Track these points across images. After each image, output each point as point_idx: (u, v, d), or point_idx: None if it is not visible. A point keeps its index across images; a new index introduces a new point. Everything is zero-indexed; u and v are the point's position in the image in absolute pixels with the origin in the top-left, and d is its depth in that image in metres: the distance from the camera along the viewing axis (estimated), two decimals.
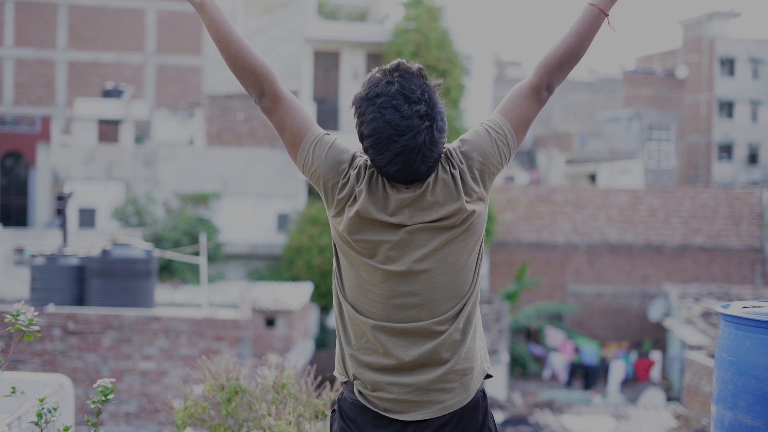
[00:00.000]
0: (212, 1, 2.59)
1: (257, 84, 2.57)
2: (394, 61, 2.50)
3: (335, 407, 2.65)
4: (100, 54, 37.85)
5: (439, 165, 2.52)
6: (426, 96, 2.45)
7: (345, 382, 2.62)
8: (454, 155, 2.55)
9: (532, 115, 2.63)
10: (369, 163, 2.54)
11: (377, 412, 2.55)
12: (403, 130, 2.40)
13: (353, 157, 2.57)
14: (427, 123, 2.42)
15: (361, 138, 2.49)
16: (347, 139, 2.67)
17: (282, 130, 2.59)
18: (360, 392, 2.56)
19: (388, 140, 2.41)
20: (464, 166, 2.53)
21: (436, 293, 2.52)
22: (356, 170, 2.53)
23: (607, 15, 2.59)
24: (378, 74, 2.49)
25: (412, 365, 2.52)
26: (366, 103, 2.46)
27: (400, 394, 2.52)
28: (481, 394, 2.62)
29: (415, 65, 2.49)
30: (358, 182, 2.52)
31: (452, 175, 2.51)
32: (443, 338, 2.52)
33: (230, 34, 2.56)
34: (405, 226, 2.50)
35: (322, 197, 2.59)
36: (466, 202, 2.50)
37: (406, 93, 2.43)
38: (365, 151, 2.50)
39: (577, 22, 2.62)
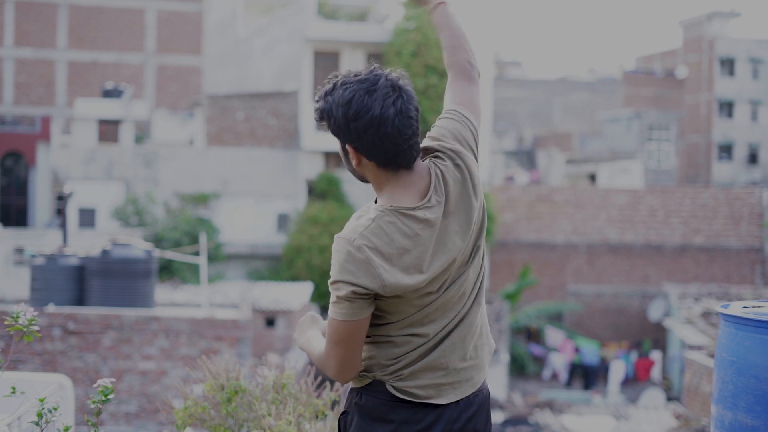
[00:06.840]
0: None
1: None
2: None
3: (350, 417, 2.56)
4: (100, 54, 37.86)
5: (447, 163, 2.52)
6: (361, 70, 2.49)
7: (368, 385, 2.53)
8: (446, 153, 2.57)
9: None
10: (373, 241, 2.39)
11: (413, 402, 2.50)
12: (368, 87, 2.38)
13: (367, 256, 2.38)
14: (376, 67, 2.45)
15: (358, 140, 2.41)
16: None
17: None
18: (394, 387, 2.50)
19: (360, 103, 2.37)
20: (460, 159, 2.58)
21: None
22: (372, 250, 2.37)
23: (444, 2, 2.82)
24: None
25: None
26: (342, 121, 2.40)
27: (435, 378, 2.52)
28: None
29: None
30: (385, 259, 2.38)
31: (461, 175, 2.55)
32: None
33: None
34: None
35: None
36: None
37: (343, 80, 2.43)
38: (368, 154, 2.42)
39: (440, 30, 2.85)
